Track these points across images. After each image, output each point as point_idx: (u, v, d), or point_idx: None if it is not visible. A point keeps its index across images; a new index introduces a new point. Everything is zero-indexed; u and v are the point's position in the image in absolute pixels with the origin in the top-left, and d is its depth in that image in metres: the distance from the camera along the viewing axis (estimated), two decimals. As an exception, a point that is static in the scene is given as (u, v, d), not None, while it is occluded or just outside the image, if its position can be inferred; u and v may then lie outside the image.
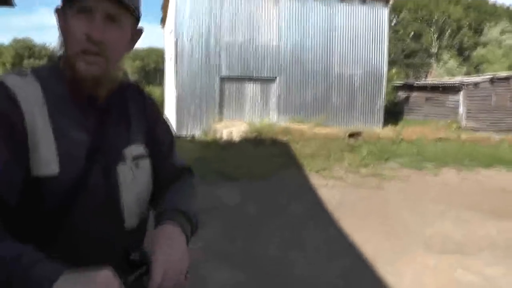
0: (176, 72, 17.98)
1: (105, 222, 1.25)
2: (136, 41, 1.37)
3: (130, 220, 1.31)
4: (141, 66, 42.25)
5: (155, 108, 1.49)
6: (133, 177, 1.31)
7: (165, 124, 1.52)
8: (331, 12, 19.29)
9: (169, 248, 1.18)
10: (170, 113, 20.51)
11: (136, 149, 1.35)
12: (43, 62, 37.91)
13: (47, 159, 1.16)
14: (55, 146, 1.17)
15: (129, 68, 43.05)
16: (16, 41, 40.14)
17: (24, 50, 39.01)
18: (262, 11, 18.59)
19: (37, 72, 1.25)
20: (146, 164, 1.37)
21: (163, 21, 24.88)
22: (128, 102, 1.40)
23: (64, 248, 1.15)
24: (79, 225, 1.21)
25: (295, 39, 18.92)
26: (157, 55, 39.19)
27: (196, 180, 1.56)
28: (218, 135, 15.46)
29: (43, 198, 1.16)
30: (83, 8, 1.18)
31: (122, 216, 1.28)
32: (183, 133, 17.51)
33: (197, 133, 17.34)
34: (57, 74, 1.25)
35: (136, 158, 1.34)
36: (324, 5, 19.20)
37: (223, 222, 6.53)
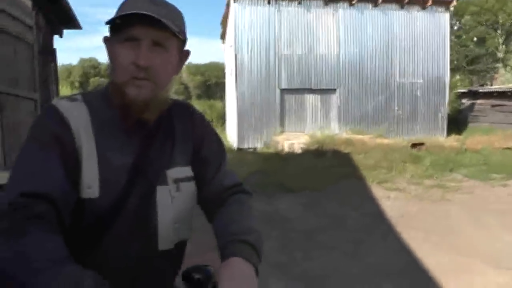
0: (237, 85, 18.26)
1: (139, 242, 1.29)
2: (184, 63, 1.40)
3: (164, 242, 1.33)
4: (203, 81, 43.01)
5: (203, 128, 1.50)
6: (172, 200, 1.33)
7: (214, 143, 1.50)
8: (390, 19, 19.03)
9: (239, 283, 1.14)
10: (231, 126, 20.82)
11: (178, 171, 1.36)
12: (108, 80, 39.49)
13: (89, 182, 1.21)
14: (97, 170, 1.23)
15: (191, 83, 43.82)
16: (82, 61, 41.88)
17: (90, 69, 40.63)
18: (320, 22, 18.61)
19: (86, 97, 1.31)
20: (188, 186, 1.38)
21: (222, 36, 25.30)
22: (174, 123, 1.42)
23: (98, 264, 1.16)
24: (114, 244, 1.26)
25: (354, 48, 18.80)
26: (218, 70, 39.79)
27: (248, 196, 1.50)
28: (279, 147, 15.56)
29: (83, 217, 1.21)
30: (130, 37, 1.23)
31: (156, 238, 1.31)
32: (245, 145, 17.72)
33: (259, 145, 17.52)
34: (106, 99, 1.31)
35: (178, 180, 1.35)
36: (383, 13, 18.97)
37: (283, 234, 6.59)
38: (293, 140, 15.57)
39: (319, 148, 14.28)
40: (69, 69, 40.89)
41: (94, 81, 39.64)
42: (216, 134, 1.54)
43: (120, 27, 1.23)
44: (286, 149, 15.01)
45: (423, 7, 19.15)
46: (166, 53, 1.26)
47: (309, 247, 6.10)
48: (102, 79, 39.72)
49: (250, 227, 1.32)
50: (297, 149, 14.71)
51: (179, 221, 1.35)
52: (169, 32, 1.23)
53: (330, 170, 11.53)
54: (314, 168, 11.80)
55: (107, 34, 1.32)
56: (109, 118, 1.29)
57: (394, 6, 19.04)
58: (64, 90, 28.97)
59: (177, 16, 1.29)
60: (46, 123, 1.24)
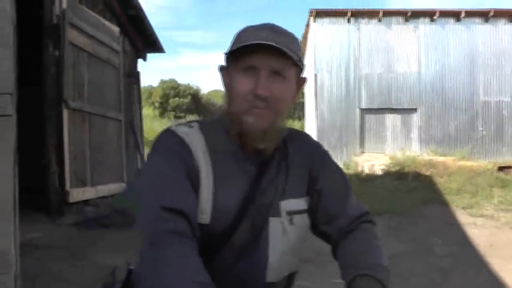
0: (316, 105, 18.30)
1: (247, 272, 1.29)
2: (300, 89, 1.39)
3: (272, 274, 1.31)
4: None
5: (320, 159, 1.46)
6: (284, 233, 1.31)
7: (333, 174, 1.46)
8: (473, 34, 18.51)
9: None
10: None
11: (292, 203, 1.34)
12: (187, 100, 40.30)
13: (203, 207, 1.23)
14: (212, 197, 1.24)
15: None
16: (163, 82, 43.29)
17: (170, 90, 41.88)
18: (400, 39, 18.39)
19: (202, 125, 1.33)
20: (302, 219, 1.36)
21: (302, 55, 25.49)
22: (289, 153, 1.40)
23: None
24: (221, 270, 1.26)
25: (436, 66, 18.42)
26: (297, 90, 40.13)
27: (374, 226, 1.48)
28: (359, 168, 15.42)
29: (199, 238, 1.20)
30: (249, 66, 1.23)
31: (264, 270, 1.30)
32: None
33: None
34: (221, 128, 1.32)
35: (291, 213, 1.33)
36: (466, 27, 18.47)
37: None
38: (373, 161, 15.40)
39: (400, 170, 14.01)
40: (149, 90, 42.36)
41: (174, 102, 40.82)
42: (335, 165, 1.50)
43: (239, 56, 1.25)
44: (366, 170, 14.86)
45: (510, 20, 18.40)
46: (285, 82, 1.26)
47: (394, 273, 5.95)
48: (182, 99, 40.83)
49: (380, 263, 1.29)
50: (378, 170, 14.52)
51: (289, 253, 1.34)
52: (288, 60, 1.24)
53: (411, 193, 11.29)
54: (396, 190, 11.59)
55: (223, 63, 1.35)
56: (224, 147, 1.30)
57: (478, 20, 18.49)
58: (145, 110, 30.06)
59: (295, 44, 1.28)
60: (169, 144, 1.27)
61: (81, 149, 7.84)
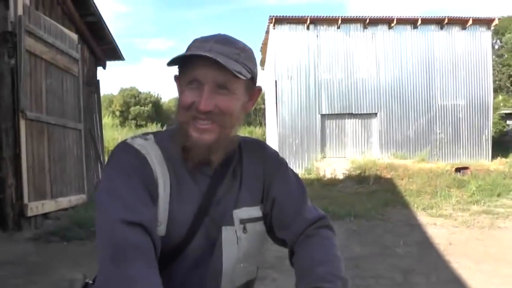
0: (277, 111, 18.41)
1: (202, 281, 1.29)
2: (255, 100, 1.36)
3: (227, 282, 1.31)
4: (242, 108, 43.58)
5: (275, 166, 1.43)
6: (238, 241, 1.31)
7: (288, 182, 1.43)
8: (430, 41, 19.02)
9: None
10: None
11: (245, 211, 1.33)
12: (148, 108, 39.88)
13: (160, 219, 1.22)
14: (167, 209, 1.23)
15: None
16: (123, 90, 42.68)
17: (130, 98, 41.35)
18: (359, 46, 18.68)
19: (158, 137, 1.32)
20: (256, 227, 1.35)
21: (262, 62, 25.57)
22: (243, 161, 1.39)
23: None
24: (177, 280, 1.26)
25: (394, 72, 18.79)
26: (257, 96, 40.20)
27: (333, 233, 1.43)
28: (321, 173, 15.55)
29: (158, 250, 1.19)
30: (193, 80, 1.21)
31: (219, 279, 1.30)
32: (286, 172, 17.76)
33: (300, 171, 17.52)
34: (174, 139, 1.29)
35: (244, 221, 1.32)
36: (422, 34, 18.99)
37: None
38: (335, 166, 15.55)
39: (361, 173, 14.21)
40: (110, 98, 41.72)
41: (135, 110, 40.31)
42: (291, 172, 1.47)
43: (184, 69, 1.24)
44: (328, 175, 15.00)
45: (464, 27, 19.04)
46: (230, 95, 1.23)
47: (356, 275, 6.03)
48: (143, 108, 40.38)
49: (337, 274, 1.23)
50: (339, 174, 14.67)
51: (244, 261, 1.33)
52: (233, 74, 1.18)
53: (373, 196, 11.46)
54: (357, 194, 11.74)
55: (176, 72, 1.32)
56: (178, 159, 1.28)
57: (433, 27, 19.03)
58: (106, 119, 29.62)
59: (244, 55, 1.24)
60: (125, 157, 1.24)
61: (39, 161, 7.65)
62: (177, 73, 1.31)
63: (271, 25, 18.65)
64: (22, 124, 7.10)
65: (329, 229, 1.42)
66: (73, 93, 9.13)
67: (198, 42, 1.24)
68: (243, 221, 1.32)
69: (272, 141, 21.08)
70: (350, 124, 18.74)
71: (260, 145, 1.48)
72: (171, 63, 1.23)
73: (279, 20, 18.53)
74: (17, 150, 7.09)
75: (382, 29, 18.90)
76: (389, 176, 13.70)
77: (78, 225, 7.37)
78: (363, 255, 6.99)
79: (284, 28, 18.56)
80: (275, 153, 1.49)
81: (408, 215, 9.83)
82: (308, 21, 18.39)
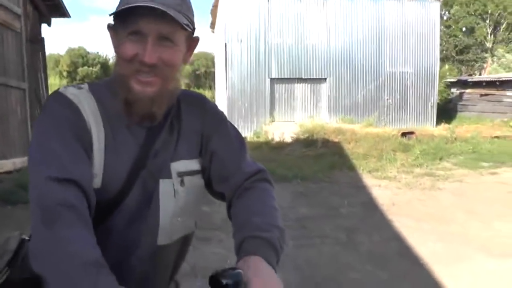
0: (227, 75, 18.22)
1: (138, 235, 1.26)
2: (193, 51, 1.34)
3: (164, 236, 1.29)
4: (192, 70, 42.70)
5: (214, 120, 1.42)
6: (175, 194, 1.28)
7: (227, 136, 1.41)
8: (380, 9, 19.11)
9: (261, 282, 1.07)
10: (221, 115, 20.81)
11: (183, 164, 1.32)
12: (96, 69, 38.86)
13: (95, 172, 1.18)
14: (103, 162, 1.20)
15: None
16: (70, 50, 41.32)
17: (78, 58, 40.12)
18: (310, 12, 18.59)
19: (92, 87, 1.26)
20: (194, 180, 1.34)
21: (212, 25, 25.20)
22: (182, 115, 1.37)
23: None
24: (113, 234, 1.23)
25: (344, 38, 18.84)
26: (207, 59, 39.54)
27: (270, 185, 1.41)
28: (269, 137, 15.56)
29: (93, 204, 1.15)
30: (135, 31, 1.16)
31: (156, 232, 1.27)
32: (235, 135, 17.72)
33: (249, 135, 17.49)
34: (112, 91, 1.24)
35: (182, 174, 1.31)
36: (373, 3, 19.05)
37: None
38: (283, 129, 15.58)
39: (309, 137, 14.30)
40: (57, 58, 40.36)
41: (83, 71, 39.10)
42: (230, 126, 1.46)
43: (125, 19, 1.17)
44: (276, 138, 15.03)
45: (414, -4, 19.19)
46: (174, 47, 1.20)
47: (302, 235, 6.10)
48: (91, 68, 39.26)
49: (273, 223, 1.25)
50: (287, 138, 14.72)
51: (182, 215, 1.31)
52: (177, 24, 1.15)
53: (320, 159, 11.57)
54: (305, 157, 11.83)
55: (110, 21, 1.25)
56: (115, 110, 1.24)
57: (385, -5, 19.07)
58: (52, 80, 28.71)
59: (185, 5, 1.21)
60: (57, 108, 1.18)
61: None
62: (112, 23, 1.25)
63: (221, -14, 18.30)
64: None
65: (268, 182, 1.41)
66: (15, 51, 8.69)
67: None
68: (180, 174, 1.30)
69: (221, 104, 20.94)
70: (299, 88, 18.76)
71: (199, 99, 1.44)
72: (116, 14, 1.17)
73: (222, -18, 18.18)
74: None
75: (334, -5, 18.85)
76: (336, 140, 13.84)
77: (23, 188, 7.02)
78: (309, 216, 7.09)
79: (235, -9, 18.23)
80: (214, 107, 1.46)
81: (354, 177, 10.00)
82: (260, -16, 18.12)
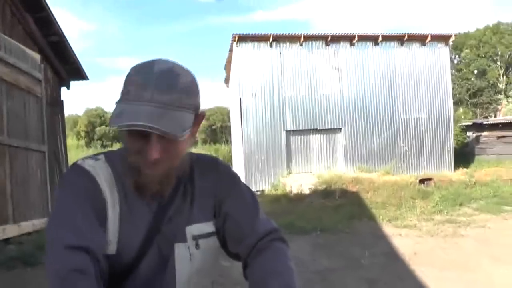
0: (242, 129, 18.41)
1: None
2: (200, 124, 1.32)
3: None
4: (208, 125, 43.30)
5: (227, 182, 1.44)
6: (191, 257, 1.32)
7: (241, 198, 1.43)
8: (391, 57, 19.30)
9: None
10: (238, 170, 20.84)
11: (198, 228, 1.34)
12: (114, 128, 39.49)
13: (109, 239, 1.24)
14: (118, 229, 1.25)
15: (196, 128, 44.21)
16: (88, 111, 42.20)
17: (96, 118, 40.87)
18: (322, 62, 18.86)
19: (109, 158, 1.33)
20: (209, 242, 1.36)
21: (226, 80, 25.61)
22: (195, 179, 1.40)
23: None
24: None
25: (357, 87, 18.98)
26: (223, 114, 40.14)
27: (286, 245, 1.42)
28: (287, 189, 15.56)
29: (105, 270, 1.21)
30: (136, 131, 1.15)
31: None
32: (252, 188, 17.56)
33: (266, 187, 17.52)
34: (125, 161, 1.27)
35: (197, 237, 1.34)
36: (384, 51, 19.27)
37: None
38: (301, 181, 15.58)
39: (327, 188, 14.28)
40: (75, 119, 41.24)
41: (100, 130, 39.84)
42: (243, 186, 1.48)
43: None
44: (294, 190, 15.01)
45: (423, 43, 19.46)
46: (177, 141, 1.19)
47: (324, 288, 6.04)
48: (108, 127, 39.94)
49: (289, 285, 1.24)
50: (305, 190, 14.71)
51: (198, 277, 1.35)
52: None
53: (339, 210, 11.52)
54: (324, 208, 11.78)
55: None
56: (129, 179, 1.28)
57: (394, 43, 19.36)
58: (70, 140, 29.15)
59: (187, 94, 1.19)
60: (75, 179, 1.26)
61: (1, 185, 7.43)
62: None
63: (235, 42, 18.72)
64: (-18, 147, 6.90)
65: (282, 241, 1.42)
66: (36, 115, 8.92)
67: (136, 88, 1.15)
68: (195, 237, 1.33)
69: (238, 159, 21.07)
70: (315, 139, 18.85)
71: (212, 162, 1.48)
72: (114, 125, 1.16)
73: (242, 38, 18.61)
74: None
75: (344, 45, 19.14)
76: (354, 190, 13.81)
77: (42, 249, 7.11)
78: (330, 268, 7.01)
79: (248, 46, 18.64)
80: (227, 170, 1.49)
81: (374, 227, 9.91)
82: (271, 39, 18.52)
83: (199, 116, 1.29)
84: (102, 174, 1.28)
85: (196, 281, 1.34)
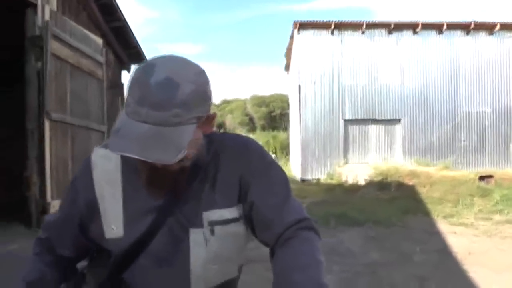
0: (300, 116, 18.41)
1: (169, 281, 1.32)
2: (212, 122, 1.27)
3: (198, 284, 1.32)
4: (267, 112, 43.38)
5: (256, 165, 1.37)
6: (207, 243, 1.30)
7: (267, 181, 1.36)
8: (455, 47, 18.61)
9: None
10: (295, 157, 20.91)
11: (218, 213, 1.31)
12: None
13: (113, 223, 1.30)
14: (121, 213, 1.30)
15: (256, 114, 44.19)
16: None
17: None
18: (383, 52, 18.52)
19: None
20: (228, 229, 1.33)
21: (286, 67, 25.56)
22: (220, 162, 1.36)
23: None
24: (143, 276, 1.33)
25: (418, 77, 18.51)
26: (282, 101, 40.07)
27: (315, 234, 1.33)
28: (343, 179, 15.50)
29: (110, 254, 1.34)
30: None
31: (188, 280, 1.32)
32: (308, 177, 17.77)
33: (322, 176, 17.49)
34: None
35: (214, 223, 1.31)
36: (447, 40, 18.61)
37: (345, 268, 6.53)
38: (357, 171, 15.47)
39: (383, 179, 14.12)
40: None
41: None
42: (274, 171, 1.41)
43: None
44: (350, 180, 14.95)
45: (491, 33, 18.62)
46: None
47: (372, 282, 6.03)
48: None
49: (316, 280, 1.17)
50: (361, 180, 14.61)
51: (218, 262, 1.33)
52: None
53: (394, 203, 11.39)
54: (379, 200, 11.68)
55: None
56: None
57: (459, 32, 18.64)
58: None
59: (187, 105, 1.12)
60: (73, 179, 1.45)
61: (63, 161, 7.82)
62: None
63: (296, 30, 18.66)
64: (47, 125, 7.27)
65: (312, 231, 1.33)
66: (97, 96, 9.30)
67: (134, 102, 1.11)
68: (211, 223, 1.31)
69: (295, 146, 21.09)
70: (373, 130, 18.61)
71: (242, 145, 1.41)
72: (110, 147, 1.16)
73: (303, 25, 18.52)
74: (41, 150, 7.27)
75: (407, 34, 18.68)
76: (411, 183, 13.59)
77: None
78: (380, 262, 6.97)
79: (309, 33, 18.54)
80: (257, 152, 1.42)
81: (428, 222, 9.76)
82: (333, 26, 18.33)
83: (209, 117, 1.24)
84: (103, 165, 1.36)
85: (216, 266, 1.33)
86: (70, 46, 8.05)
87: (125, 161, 1.31)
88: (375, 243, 8.01)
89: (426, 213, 10.56)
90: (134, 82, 1.14)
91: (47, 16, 7.42)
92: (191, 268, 1.31)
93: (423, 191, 12.61)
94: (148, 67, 1.15)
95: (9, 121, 8.92)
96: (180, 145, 1.10)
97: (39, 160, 7.28)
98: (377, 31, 18.65)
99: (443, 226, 9.32)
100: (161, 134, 1.09)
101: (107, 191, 1.32)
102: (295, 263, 1.21)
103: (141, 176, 1.30)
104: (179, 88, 1.10)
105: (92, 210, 1.34)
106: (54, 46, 7.46)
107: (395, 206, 11.04)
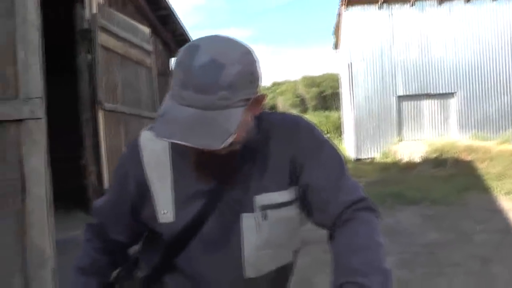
0: (352, 95, 18.15)
1: (221, 267, 1.30)
2: (261, 105, 1.24)
3: (251, 269, 1.30)
4: (318, 92, 43.11)
5: (308, 144, 1.33)
6: (259, 227, 1.28)
7: (322, 162, 1.31)
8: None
9: None
10: (348, 137, 20.69)
11: (270, 197, 1.28)
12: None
13: (164, 208, 1.28)
14: (172, 197, 1.28)
15: (307, 95, 43.97)
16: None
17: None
18: (435, 23, 17.89)
19: None
20: (281, 213, 1.29)
21: (335, 46, 25.22)
22: (270, 145, 1.32)
23: (175, 284, 1.39)
24: (188, 267, 1.33)
25: (473, 48, 17.79)
26: (333, 80, 39.65)
27: (374, 215, 1.29)
28: (398, 156, 15.23)
29: (162, 239, 1.33)
30: None
31: (240, 265, 1.29)
32: (362, 156, 17.60)
33: (377, 155, 17.25)
34: None
35: (266, 207, 1.28)
36: (504, 5, 17.71)
37: (403, 248, 6.42)
38: (412, 149, 15.17)
39: (439, 156, 13.77)
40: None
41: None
42: (328, 150, 1.36)
43: None
44: (405, 158, 14.66)
45: (552, -4, 17.62)
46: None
47: (431, 263, 5.90)
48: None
49: (375, 265, 1.13)
50: (416, 158, 14.31)
51: (271, 247, 1.30)
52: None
53: (451, 180, 11.09)
54: (435, 178, 11.41)
55: None
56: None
57: (515, -3, 17.75)
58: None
59: (235, 87, 1.09)
60: (121, 161, 1.42)
61: (117, 148, 8.00)
62: None
63: (343, 7, 18.31)
64: (100, 115, 7.46)
65: (371, 211, 1.28)
66: (147, 84, 9.45)
67: (178, 85, 1.12)
68: (264, 208, 1.28)
69: (348, 125, 20.87)
70: (427, 105, 18.10)
71: (292, 124, 1.37)
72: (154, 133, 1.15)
73: (351, 1, 18.11)
74: (96, 139, 7.47)
75: (458, 3, 17.92)
76: (468, 159, 13.18)
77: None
78: (439, 241, 6.82)
79: (356, 9, 18.13)
80: (309, 132, 1.37)
81: (488, 200, 9.45)
82: (381, 0, 17.87)
83: (258, 99, 1.20)
84: (152, 147, 1.32)
85: (269, 252, 1.31)
86: (118, 37, 8.18)
87: (173, 143, 1.25)
88: (433, 223, 7.84)
89: (486, 190, 10.21)
90: (177, 64, 1.13)
91: (94, 9, 7.57)
92: (244, 253, 1.29)
93: (481, 167, 12.20)
94: (191, 49, 1.11)
95: (64, 111, 9.18)
96: (227, 129, 1.08)
97: (95, 149, 7.49)
98: (427, 2, 18.03)
99: (505, 204, 9.00)
100: (207, 118, 1.07)
101: (157, 173, 1.30)
102: (353, 246, 1.18)
103: (189, 160, 1.27)
104: (224, 70, 1.07)
105: (143, 193, 1.32)
106: (102, 38, 7.60)
107: (452, 183, 10.73)
